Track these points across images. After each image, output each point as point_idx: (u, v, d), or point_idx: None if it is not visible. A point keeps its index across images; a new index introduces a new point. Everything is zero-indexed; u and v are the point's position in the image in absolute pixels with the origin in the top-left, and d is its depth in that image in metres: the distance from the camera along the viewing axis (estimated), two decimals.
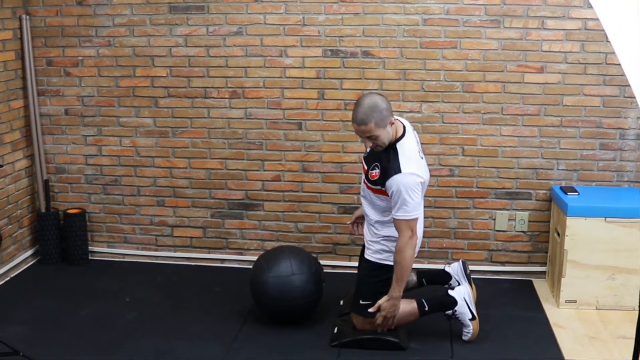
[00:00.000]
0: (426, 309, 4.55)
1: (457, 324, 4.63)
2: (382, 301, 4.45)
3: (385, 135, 4.23)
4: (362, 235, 4.76)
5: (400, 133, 4.34)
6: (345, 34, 5.40)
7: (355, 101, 5.24)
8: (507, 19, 5.22)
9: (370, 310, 4.49)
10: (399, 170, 4.20)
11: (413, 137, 4.43)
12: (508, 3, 5.20)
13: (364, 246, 4.70)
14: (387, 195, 4.31)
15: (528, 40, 5.25)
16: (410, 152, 4.29)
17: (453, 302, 4.56)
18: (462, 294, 4.58)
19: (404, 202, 4.19)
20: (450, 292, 4.61)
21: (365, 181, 4.49)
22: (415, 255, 4.50)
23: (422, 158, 4.40)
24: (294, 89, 5.55)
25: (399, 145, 4.29)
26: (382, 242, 4.48)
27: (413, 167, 4.23)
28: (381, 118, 4.18)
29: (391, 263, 4.43)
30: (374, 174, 4.38)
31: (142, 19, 5.60)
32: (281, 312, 4.81)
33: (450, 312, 4.58)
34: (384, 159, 4.31)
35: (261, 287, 4.76)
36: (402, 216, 4.23)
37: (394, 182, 4.20)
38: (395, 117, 4.39)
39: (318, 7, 5.38)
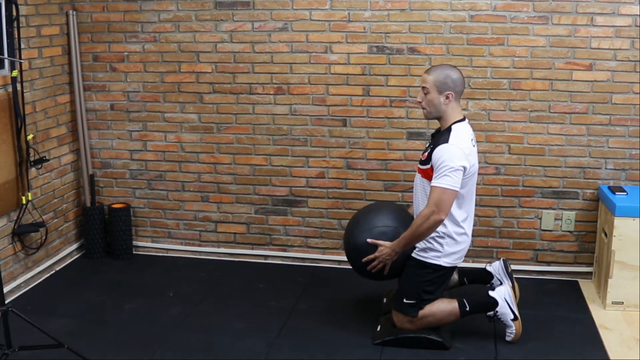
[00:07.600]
0: (467, 309, 4.51)
1: (500, 324, 4.59)
2: (383, 246, 4.43)
3: (435, 99, 4.35)
4: None
5: (458, 118, 4.39)
6: (391, 30, 5.38)
7: (400, 98, 5.24)
8: (555, 16, 5.15)
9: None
10: (447, 142, 4.26)
11: (469, 128, 4.45)
12: None
13: None
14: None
15: (577, 37, 5.17)
16: (463, 134, 4.34)
17: (494, 303, 4.52)
18: (503, 294, 4.54)
19: (443, 171, 4.22)
20: (490, 293, 4.57)
21: (419, 167, 4.50)
22: (462, 259, 4.50)
23: (473, 146, 4.41)
24: (339, 85, 5.54)
25: (454, 126, 4.35)
26: (430, 240, 4.43)
27: (461, 144, 4.27)
28: (442, 82, 4.33)
29: (438, 262, 4.42)
30: (425, 154, 4.44)
31: (187, 14, 5.62)
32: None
33: (491, 313, 4.54)
34: (435, 139, 4.42)
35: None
36: (436, 183, 4.24)
37: (440, 150, 4.26)
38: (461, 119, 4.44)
39: (364, 3, 5.36)
